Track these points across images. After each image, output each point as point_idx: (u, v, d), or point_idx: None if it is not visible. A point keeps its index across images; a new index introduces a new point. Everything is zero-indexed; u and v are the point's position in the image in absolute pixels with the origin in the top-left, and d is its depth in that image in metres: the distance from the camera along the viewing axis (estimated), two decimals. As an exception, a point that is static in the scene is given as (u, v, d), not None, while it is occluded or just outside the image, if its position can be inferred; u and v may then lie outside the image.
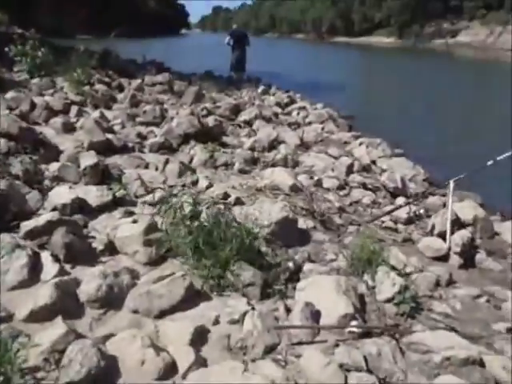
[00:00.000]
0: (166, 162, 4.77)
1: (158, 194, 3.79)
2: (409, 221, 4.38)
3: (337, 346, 2.34)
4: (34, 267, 2.59)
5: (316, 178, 5.02)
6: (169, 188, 4.09)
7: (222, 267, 2.71)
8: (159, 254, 2.92)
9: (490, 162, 3.53)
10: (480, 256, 3.96)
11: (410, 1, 47.70)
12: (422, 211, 4.44)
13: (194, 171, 4.74)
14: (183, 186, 4.29)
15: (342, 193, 4.86)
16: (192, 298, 2.54)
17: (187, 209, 3.10)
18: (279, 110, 9.42)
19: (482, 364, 2.41)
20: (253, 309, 2.48)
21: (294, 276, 2.94)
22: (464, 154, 7.25)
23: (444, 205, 4.67)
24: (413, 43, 45.34)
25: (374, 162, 6.24)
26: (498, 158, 3.50)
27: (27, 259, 2.57)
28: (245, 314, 2.41)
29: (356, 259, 3.17)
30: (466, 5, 44.68)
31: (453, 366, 2.36)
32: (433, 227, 4.11)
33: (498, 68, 26.97)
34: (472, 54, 34.79)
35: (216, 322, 2.41)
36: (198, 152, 5.31)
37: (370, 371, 2.22)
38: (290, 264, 2.98)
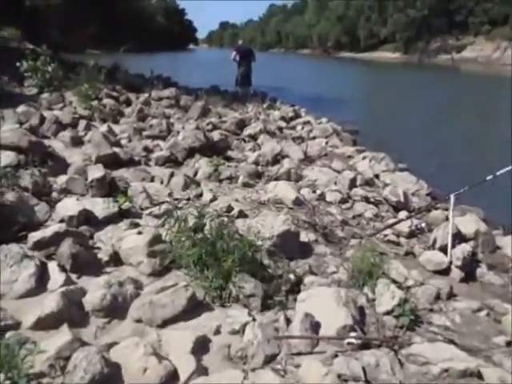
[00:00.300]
0: (171, 175, 4.86)
1: (163, 207, 3.87)
2: (411, 234, 4.42)
3: (335, 356, 2.38)
4: (42, 277, 2.66)
5: (319, 191, 5.09)
6: (174, 201, 4.17)
7: (224, 278, 2.77)
8: (163, 265, 2.98)
9: (489, 177, 3.58)
10: (481, 270, 3.98)
11: (415, 17, 48.18)
12: (423, 225, 4.49)
13: (198, 184, 4.83)
14: (188, 199, 4.37)
15: (344, 206, 4.91)
16: (194, 309, 2.60)
17: (191, 221, 3.17)
18: (284, 125, 9.54)
19: (479, 376, 2.43)
20: (253, 319, 2.53)
21: (295, 288, 2.99)
22: (467, 168, 7.29)
23: (446, 219, 4.70)
24: (418, 59, 45.64)
25: (377, 176, 6.29)
26: (498, 173, 3.55)
27: (35, 269, 2.64)
28: (245, 324, 2.46)
29: (357, 272, 3.21)
30: (471, 20, 45.03)
31: (451, 377, 2.39)
32: (434, 241, 4.14)
33: (503, 82, 27.08)
34: (477, 69, 34.97)
35: (217, 331, 2.46)
36: (202, 166, 5.40)
37: (368, 382, 2.25)
38: (291, 276, 3.03)
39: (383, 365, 2.35)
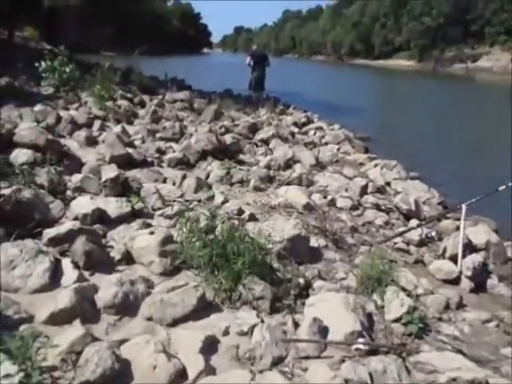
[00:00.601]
0: (184, 177, 4.91)
1: (174, 208, 3.91)
2: (421, 243, 4.40)
3: (343, 361, 2.39)
4: (55, 272, 2.71)
5: (330, 197, 5.10)
6: (185, 202, 4.22)
7: (233, 280, 2.79)
8: (174, 265, 3.02)
9: (502, 188, 3.56)
10: (492, 281, 3.95)
11: (430, 25, 48.00)
12: (433, 234, 4.47)
13: (210, 187, 4.87)
14: (199, 201, 4.41)
15: (355, 213, 4.92)
16: (204, 309, 2.63)
17: (203, 222, 3.21)
18: (296, 130, 9.57)
19: (488, 387, 2.43)
20: (262, 321, 2.55)
21: (304, 292, 3.00)
22: (479, 178, 7.24)
23: (457, 228, 4.68)
24: (432, 67, 45.42)
25: (388, 184, 6.28)
26: (511, 184, 3.53)
27: (49, 264, 2.70)
28: (254, 326, 2.48)
29: (366, 278, 3.22)
30: (488, 30, 44.75)
31: (459, 387, 2.38)
32: (444, 250, 4.13)
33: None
34: (492, 79, 34.70)
35: (226, 332, 2.48)
36: (214, 168, 5.45)
37: (375, 387, 2.26)
38: (301, 280, 3.05)
39: (390, 371, 2.36)
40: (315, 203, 4.70)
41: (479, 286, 3.81)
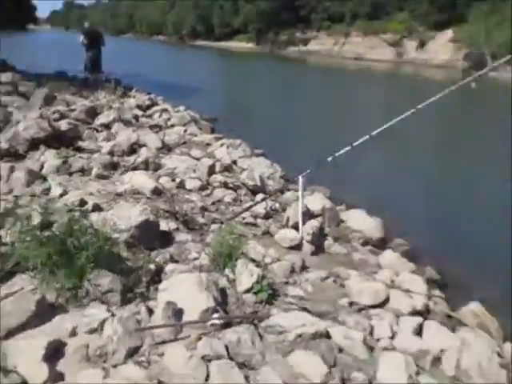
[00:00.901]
0: (11, 170, 4.35)
1: (1, 206, 3.45)
2: (267, 215, 4.69)
3: (199, 339, 2.43)
4: None
5: (178, 179, 5.07)
6: (14, 198, 3.75)
7: (78, 277, 2.60)
8: (5, 269, 2.67)
9: (330, 158, 3.96)
10: (328, 242, 4.43)
11: (264, 9, 50.44)
12: (277, 206, 4.80)
13: (45, 179, 4.41)
14: (33, 195, 3.97)
15: (204, 193, 4.98)
16: (45, 313, 2.39)
17: (36, 219, 2.89)
18: (140, 113, 9.22)
19: (328, 336, 2.72)
20: (113, 315, 2.43)
21: (156, 277, 2.95)
22: (317, 151, 7.96)
23: (297, 199, 5.10)
24: (270, 50, 48.08)
25: (235, 162, 6.50)
26: (337, 154, 3.95)
27: None
28: (104, 321, 2.35)
29: (217, 255, 3.30)
30: (314, 16, 48.88)
31: (304, 341, 2.63)
32: (287, 220, 4.47)
33: (341, 73, 30.20)
34: (320, 61, 38.27)
35: (73, 333, 2.31)
36: (49, 158, 4.95)
37: (230, 358, 2.35)
38: (152, 266, 2.98)
39: (244, 340, 2.48)
40: (163, 187, 4.62)
41: (318, 248, 4.23)
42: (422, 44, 36.25)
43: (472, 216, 5.97)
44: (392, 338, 2.94)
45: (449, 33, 34.41)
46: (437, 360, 2.81)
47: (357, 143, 3.88)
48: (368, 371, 2.53)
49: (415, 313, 3.33)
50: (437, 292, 4.07)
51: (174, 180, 5.01)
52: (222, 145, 7.18)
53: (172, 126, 8.56)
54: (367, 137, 3.82)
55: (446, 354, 2.83)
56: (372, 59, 37.64)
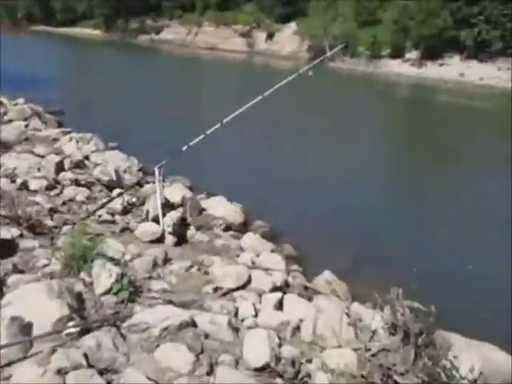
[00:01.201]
0: None
1: None
2: (125, 211, 4.49)
3: (53, 352, 2.22)
4: None
5: (20, 180, 4.55)
6: None
7: None
8: None
9: (184, 148, 3.95)
10: (191, 232, 4.44)
11: (111, -6, 47.68)
12: (134, 200, 4.62)
13: None
14: None
15: (52, 193, 4.56)
16: None
17: None
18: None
19: (194, 325, 2.73)
20: None
21: (-3, 292, 2.61)
22: (175, 142, 7.86)
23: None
24: (120, 37, 45.78)
25: (87, 158, 6.08)
26: (191, 144, 3.96)
27: None
28: None
29: (70, 259, 3.05)
30: (165, 4, 47.81)
31: (170, 334, 2.59)
32: (147, 213, 4.34)
33: (197, 61, 30.32)
34: (174, 50, 37.76)
35: None
36: None
37: (91, 366, 2.20)
38: (-11, 281, 2.63)
39: (105, 344, 2.34)
40: (2, 189, 4.10)
41: (181, 239, 4.21)
42: (270, 36, 38.17)
43: (320, 192, 6.53)
44: (256, 316, 3.08)
45: (292, 26, 36.84)
46: (296, 329, 3.04)
47: (210, 131, 3.93)
48: (235, 352, 2.62)
49: (276, 289, 3.54)
50: (295, 267, 4.39)
51: (14, 181, 4.48)
52: (70, 139, 6.64)
53: (10, 121, 7.62)
54: (219, 124, 3.89)
55: (303, 323, 3.07)
56: (226, 49, 38.45)
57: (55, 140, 6.84)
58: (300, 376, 2.51)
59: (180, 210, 4.54)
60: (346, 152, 8.65)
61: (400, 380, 2.81)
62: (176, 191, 4.79)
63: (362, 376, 2.77)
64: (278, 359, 2.56)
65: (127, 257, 3.49)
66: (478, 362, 2.81)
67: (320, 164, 7.64)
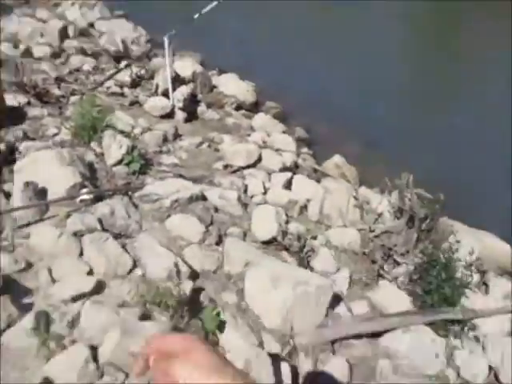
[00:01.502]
0: None
1: None
2: (134, 84, 4.33)
3: (68, 216, 2.29)
4: None
5: (23, 46, 4.32)
6: None
7: None
8: None
9: (196, 16, 3.65)
10: (201, 108, 4.32)
11: None
12: (143, 72, 4.42)
13: None
14: None
15: (58, 61, 4.36)
16: None
17: None
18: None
19: (204, 198, 2.78)
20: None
21: (9, 158, 2.63)
22: (184, 11, 7.30)
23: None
24: None
25: (91, 25, 5.71)
26: (203, 11, 3.65)
27: None
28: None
29: (80, 129, 3.02)
30: None
31: (180, 206, 2.65)
32: (157, 87, 4.18)
33: None
34: None
35: None
36: None
37: (105, 230, 2.29)
38: (1, 146, 2.63)
39: (118, 211, 2.41)
40: (7, 55, 3.93)
41: (191, 115, 4.11)
42: None
43: (338, 81, 6.18)
44: (265, 193, 3.13)
45: None
46: (304, 208, 3.10)
47: (224, -4, 3.59)
48: (243, 225, 2.70)
49: (285, 169, 3.55)
50: (305, 149, 4.36)
51: (17, 47, 4.26)
52: (73, 4, 6.17)
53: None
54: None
55: (311, 202, 3.12)
56: None
57: (57, 5, 6.36)
58: (305, 250, 2.61)
59: (191, 85, 4.37)
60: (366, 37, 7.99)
61: (400, 259, 2.95)
62: (186, 65, 4.57)
63: (364, 253, 2.91)
64: (285, 234, 2.65)
65: (137, 130, 3.45)
66: (478, 247, 2.90)
67: (338, 48, 7.11)
